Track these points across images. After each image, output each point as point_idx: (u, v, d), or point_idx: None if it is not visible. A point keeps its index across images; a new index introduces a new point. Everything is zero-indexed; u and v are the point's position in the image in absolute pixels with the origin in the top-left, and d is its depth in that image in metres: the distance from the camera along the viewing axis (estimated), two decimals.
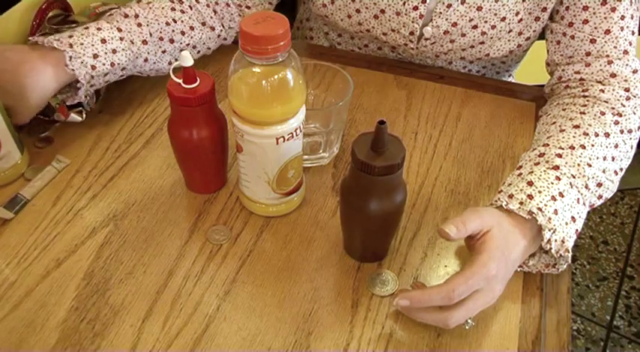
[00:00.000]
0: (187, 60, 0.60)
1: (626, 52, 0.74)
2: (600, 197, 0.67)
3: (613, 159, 0.67)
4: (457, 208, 0.70)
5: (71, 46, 0.71)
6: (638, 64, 0.75)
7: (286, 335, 0.58)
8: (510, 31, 0.82)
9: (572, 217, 0.61)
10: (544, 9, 0.80)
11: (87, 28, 0.74)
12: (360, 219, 0.59)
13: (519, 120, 0.83)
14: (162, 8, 0.80)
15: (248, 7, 0.88)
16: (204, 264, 0.64)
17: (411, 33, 0.85)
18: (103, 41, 0.74)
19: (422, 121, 0.82)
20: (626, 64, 0.74)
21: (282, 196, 0.67)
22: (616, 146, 0.68)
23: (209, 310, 0.60)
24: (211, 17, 0.85)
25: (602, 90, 0.73)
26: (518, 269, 0.62)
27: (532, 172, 0.63)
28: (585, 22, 0.75)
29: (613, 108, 0.71)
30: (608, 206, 1.85)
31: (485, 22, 0.81)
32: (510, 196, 0.61)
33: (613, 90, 0.72)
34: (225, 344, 0.57)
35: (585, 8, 0.74)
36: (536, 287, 0.63)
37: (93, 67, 0.72)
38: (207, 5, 0.85)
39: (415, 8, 0.82)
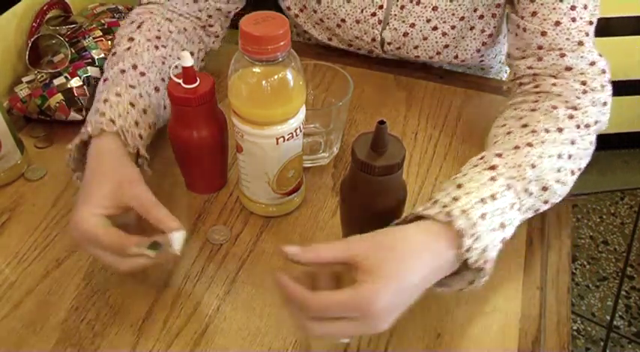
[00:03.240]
0: (187, 60, 0.60)
1: (580, 43, 0.68)
2: (546, 202, 0.60)
3: (570, 156, 0.61)
4: None
5: (113, 121, 0.62)
6: (597, 55, 0.68)
7: (286, 335, 0.58)
8: (472, 28, 0.82)
9: (502, 224, 0.54)
10: (498, 5, 0.79)
11: (106, 100, 0.64)
12: (360, 219, 0.59)
13: None
14: (148, 50, 0.72)
15: (210, 25, 0.82)
16: (204, 264, 0.64)
17: (373, 39, 0.85)
18: (132, 105, 0.65)
19: (422, 121, 0.82)
20: (581, 56, 0.67)
21: (282, 196, 0.67)
22: (572, 142, 0.62)
23: (209, 310, 0.60)
24: (186, 43, 0.78)
25: (554, 85, 0.67)
26: (439, 290, 0.54)
27: (466, 174, 0.57)
28: (534, 14, 0.69)
29: (567, 101, 0.65)
30: (608, 206, 1.85)
31: (444, 22, 0.81)
32: (435, 202, 0.54)
33: (567, 83, 0.66)
34: (225, 344, 0.57)
35: (532, 0, 0.70)
36: (536, 287, 0.63)
37: (140, 137, 0.64)
38: (179, 32, 0.76)
39: (373, 14, 0.82)
